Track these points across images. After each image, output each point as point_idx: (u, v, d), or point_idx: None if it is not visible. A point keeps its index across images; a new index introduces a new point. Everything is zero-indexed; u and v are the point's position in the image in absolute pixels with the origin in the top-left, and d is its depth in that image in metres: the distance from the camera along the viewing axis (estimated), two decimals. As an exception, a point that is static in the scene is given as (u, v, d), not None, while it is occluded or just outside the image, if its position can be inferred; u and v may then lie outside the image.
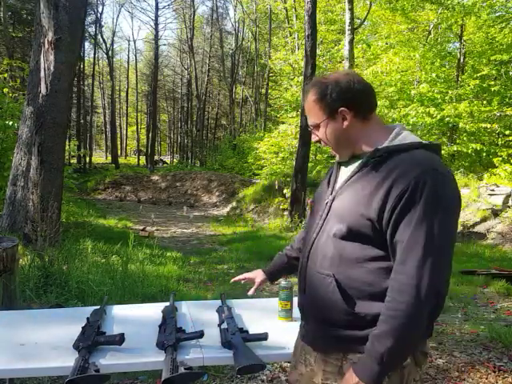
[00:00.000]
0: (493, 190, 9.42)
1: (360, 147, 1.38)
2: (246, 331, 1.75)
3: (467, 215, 9.23)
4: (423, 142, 1.33)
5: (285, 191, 13.13)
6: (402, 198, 1.19)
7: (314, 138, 1.46)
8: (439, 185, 1.19)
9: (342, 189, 1.37)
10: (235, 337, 1.69)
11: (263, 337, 1.71)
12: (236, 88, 34.05)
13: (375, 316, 1.24)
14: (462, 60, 14.27)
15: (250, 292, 1.96)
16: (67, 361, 1.53)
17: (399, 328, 1.17)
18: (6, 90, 8.82)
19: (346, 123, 1.36)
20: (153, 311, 2.02)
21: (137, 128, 42.83)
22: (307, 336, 1.45)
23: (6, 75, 9.80)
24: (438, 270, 1.18)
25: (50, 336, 1.77)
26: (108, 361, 1.57)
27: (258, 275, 1.97)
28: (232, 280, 2.08)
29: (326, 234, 1.37)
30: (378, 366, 1.18)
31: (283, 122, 17.10)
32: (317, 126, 1.41)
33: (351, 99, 1.35)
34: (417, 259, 1.16)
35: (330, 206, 1.39)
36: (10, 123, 7.99)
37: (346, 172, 1.43)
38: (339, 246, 1.31)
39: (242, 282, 2.03)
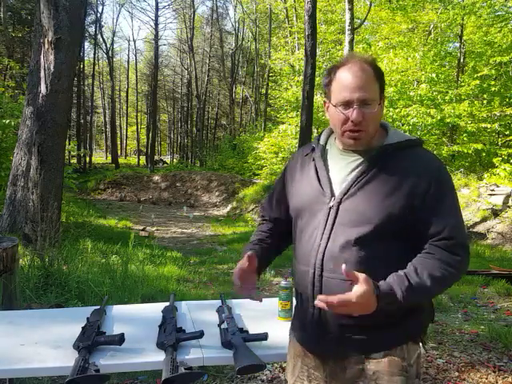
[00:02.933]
0: (493, 190, 9.41)
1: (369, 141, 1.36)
2: (246, 331, 1.75)
3: (467, 215, 9.23)
4: (414, 138, 1.41)
5: (285, 191, 13.10)
6: (429, 190, 1.27)
7: (358, 116, 1.28)
8: (448, 174, 1.36)
9: (352, 190, 1.30)
10: (235, 337, 1.69)
11: (263, 337, 1.70)
12: (236, 88, 34.06)
13: (401, 312, 1.28)
14: (462, 60, 14.28)
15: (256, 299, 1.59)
16: (67, 361, 1.53)
17: (449, 279, 1.28)
18: (2, 89, 8.82)
19: (381, 111, 1.36)
20: (153, 311, 2.02)
21: (137, 128, 42.83)
22: (327, 349, 1.35)
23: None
24: (466, 233, 1.42)
25: (50, 336, 1.77)
26: (108, 361, 1.57)
27: (248, 266, 1.53)
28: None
29: (342, 240, 1.28)
30: (403, 295, 1.21)
31: (283, 122, 17.10)
32: (371, 103, 1.29)
33: (384, 86, 1.38)
34: (460, 237, 1.30)
35: (337, 210, 1.30)
36: (12, 123, 7.99)
37: (341, 170, 1.35)
38: (362, 248, 1.27)
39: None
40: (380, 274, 1.25)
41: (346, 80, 1.30)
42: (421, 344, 1.36)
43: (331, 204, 1.32)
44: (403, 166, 1.29)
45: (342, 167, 1.35)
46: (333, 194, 1.33)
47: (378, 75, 1.33)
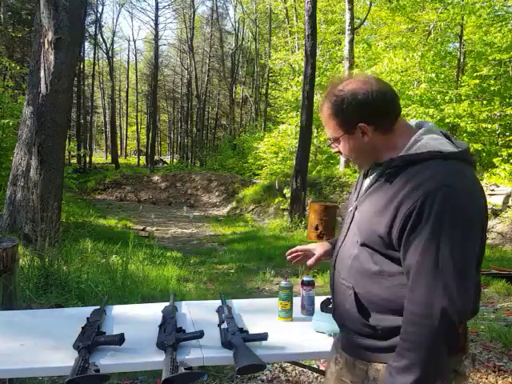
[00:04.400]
0: (493, 190, 9.41)
1: (383, 156, 1.28)
2: (246, 331, 1.75)
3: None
4: (443, 150, 1.19)
5: (285, 191, 13.13)
6: (410, 218, 1.12)
7: (333, 149, 1.37)
8: (449, 203, 1.10)
9: (362, 199, 1.33)
10: (235, 337, 1.69)
11: (263, 337, 1.70)
12: (236, 88, 34.06)
13: (392, 329, 1.21)
14: (461, 60, 14.27)
15: (309, 262, 1.72)
16: (67, 361, 1.53)
17: (417, 360, 1.11)
18: (1, 89, 8.82)
19: (366, 138, 1.26)
20: (153, 311, 2.02)
21: (137, 128, 42.82)
22: (340, 340, 1.43)
23: None
24: (449, 294, 1.09)
25: (50, 336, 1.78)
26: (108, 361, 1.57)
27: (318, 247, 1.75)
28: (288, 257, 1.82)
29: (348, 245, 1.35)
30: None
31: (283, 122, 17.10)
32: (336, 140, 1.33)
33: (370, 114, 1.24)
34: (424, 286, 1.10)
35: (353, 215, 1.35)
36: (10, 123, 8.00)
37: (368, 180, 1.37)
38: (358, 258, 1.29)
39: (295, 261, 1.80)
40: (373, 289, 1.25)
41: None
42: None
43: (351, 208, 1.38)
44: (401, 183, 1.17)
45: (369, 177, 1.37)
46: (357, 199, 1.38)
47: (336, 112, 1.27)
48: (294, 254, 1.81)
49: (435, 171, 1.15)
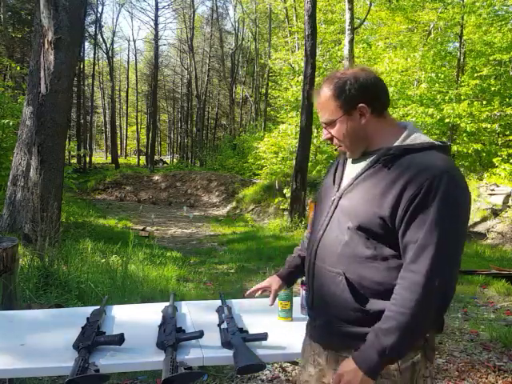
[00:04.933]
0: (493, 190, 9.41)
1: (372, 144, 1.37)
2: (246, 331, 1.75)
3: (467, 215, 9.22)
4: (435, 142, 1.32)
5: (285, 191, 13.13)
6: (415, 200, 1.20)
7: (325, 135, 1.42)
8: (451, 188, 1.20)
9: (351, 186, 1.35)
10: (235, 337, 1.69)
11: (263, 337, 1.70)
12: (236, 88, 34.05)
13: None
14: (461, 60, 14.26)
15: (270, 302, 1.80)
16: (67, 361, 1.53)
17: (406, 325, 1.18)
18: (1, 89, 8.82)
19: (363, 120, 1.35)
20: (153, 311, 2.02)
21: (137, 128, 42.82)
22: (316, 333, 1.43)
23: None
24: (448, 271, 1.21)
25: (50, 336, 1.78)
26: (108, 361, 1.57)
27: (273, 282, 1.82)
28: (246, 294, 1.93)
29: (335, 232, 1.36)
30: (379, 357, 1.20)
31: (283, 122, 17.09)
32: (332, 123, 1.37)
33: (370, 95, 1.35)
34: (429, 259, 1.18)
35: (337, 204, 1.37)
36: (11, 123, 8.00)
37: (353, 169, 1.40)
38: (349, 244, 1.31)
39: (257, 294, 1.88)
40: (365, 273, 1.28)
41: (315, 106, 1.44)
42: (420, 353, 1.29)
43: (334, 197, 1.40)
44: (400, 170, 1.26)
45: (354, 167, 1.41)
46: (338, 189, 1.41)
47: (337, 93, 1.34)
48: (253, 290, 1.88)
49: (436, 159, 1.26)
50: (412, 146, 1.30)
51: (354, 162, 1.42)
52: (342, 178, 1.43)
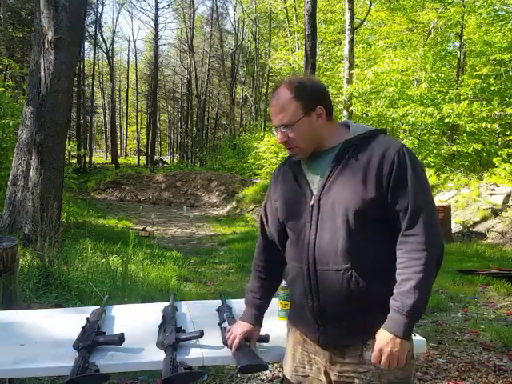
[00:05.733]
0: (493, 190, 9.42)
1: (324, 144, 1.46)
2: (247, 331, 1.75)
3: (467, 215, 9.23)
4: (378, 128, 1.51)
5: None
6: (392, 173, 1.34)
7: (281, 138, 1.45)
8: (412, 156, 1.38)
9: (328, 185, 1.40)
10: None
11: (264, 338, 1.70)
12: (236, 88, 34.04)
13: (388, 294, 1.35)
14: (462, 60, 14.27)
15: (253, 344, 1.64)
16: (67, 361, 1.53)
17: (423, 281, 1.30)
18: (2, 89, 8.82)
19: (320, 121, 1.44)
20: (153, 311, 2.02)
21: (137, 128, 42.83)
22: (327, 338, 1.42)
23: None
24: (437, 221, 1.38)
25: (50, 336, 1.77)
26: (108, 361, 1.57)
27: (252, 332, 1.63)
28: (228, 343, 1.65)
29: (328, 232, 1.38)
30: (408, 318, 1.29)
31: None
32: (291, 125, 1.42)
33: (325, 98, 1.47)
34: (423, 218, 1.32)
35: (319, 206, 1.41)
36: (11, 123, 7.99)
37: (316, 170, 1.46)
38: (349, 237, 1.35)
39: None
40: (369, 259, 1.36)
41: (270, 108, 1.49)
42: (413, 336, 1.40)
43: (312, 202, 1.43)
44: (368, 154, 1.38)
45: (315, 168, 1.47)
46: (312, 193, 1.44)
47: (298, 94, 1.41)
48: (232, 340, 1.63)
49: (389, 139, 1.44)
50: (364, 134, 1.43)
51: (311, 165, 1.48)
52: (308, 183, 1.46)
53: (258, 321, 1.65)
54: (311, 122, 1.43)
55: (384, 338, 1.31)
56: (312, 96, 1.43)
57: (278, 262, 1.61)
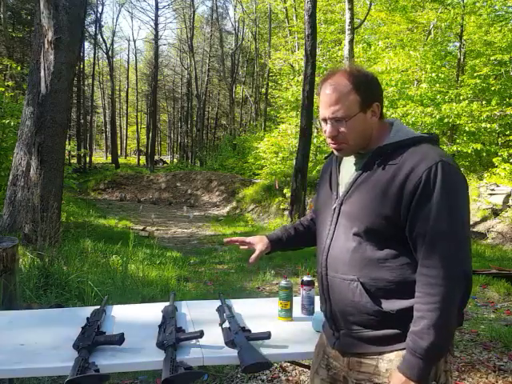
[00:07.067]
0: (493, 190, 9.41)
1: (369, 144, 1.35)
2: (249, 330, 1.75)
3: (467, 215, 9.21)
4: (423, 135, 1.32)
5: (285, 191, 13.12)
6: (416, 193, 1.20)
7: (331, 133, 1.32)
8: (448, 174, 1.20)
9: (350, 192, 1.33)
10: (238, 336, 1.69)
11: (266, 336, 1.70)
12: (236, 88, 34.03)
13: (405, 311, 1.24)
14: (462, 60, 14.26)
15: (251, 260, 1.69)
16: (67, 361, 1.53)
17: (438, 320, 1.17)
18: (2, 89, 8.82)
19: (374, 119, 1.32)
20: (153, 311, 2.02)
21: (137, 128, 42.81)
22: (339, 343, 1.39)
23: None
24: (462, 255, 1.20)
25: (49, 336, 1.78)
26: (108, 361, 1.57)
27: (259, 242, 1.73)
28: (225, 241, 1.80)
29: (341, 240, 1.34)
30: (423, 361, 1.18)
31: (283, 122, 17.10)
32: (346, 119, 1.29)
33: (381, 94, 1.35)
34: (441, 250, 1.18)
35: (339, 212, 1.35)
36: (11, 123, 7.99)
37: (347, 173, 1.39)
38: (358, 249, 1.29)
39: (240, 247, 1.80)
40: (377, 275, 1.27)
41: (322, 97, 1.33)
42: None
43: (334, 206, 1.38)
44: (397, 166, 1.25)
45: (349, 170, 1.39)
46: (337, 196, 1.38)
47: (358, 86, 1.28)
48: (235, 240, 1.80)
49: (425, 151, 1.25)
50: (402, 141, 1.29)
51: (348, 165, 1.40)
52: (338, 184, 1.41)
53: (271, 237, 1.74)
54: (366, 118, 1.31)
55: (398, 380, 1.21)
56: (371, 90, 1.31)
57: (315, 232, 1.57)
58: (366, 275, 1.28)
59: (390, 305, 1.26)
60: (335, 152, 1.39)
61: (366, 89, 1.29)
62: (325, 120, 1.33)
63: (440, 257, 1.18)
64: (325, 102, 1.31)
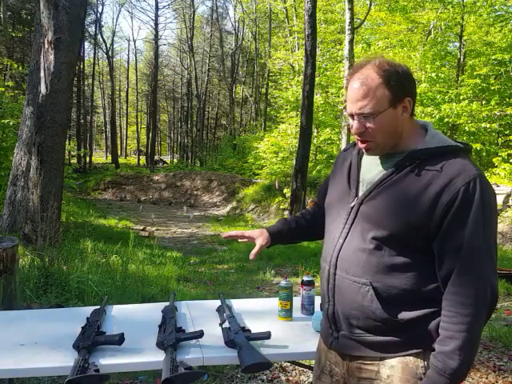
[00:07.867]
0: (493, 190, 9.41)
1: (400, 144, 1.27)
2: (249, 330, 1.75)
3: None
4: (459, 144, 1.26)
5: (285, 191, 13.13)
6: (453, 206, 1.16)
7: (358, 129, 1.25)
8: (485, 190, 1.18)
9: (374, 193, 1.27)
10: (238, 335, 1.69)
11: (266, 335, 1.70)
12: (236, 88, 34.02)
13: (413, 321, 1.22)
14: (462, 60, 14.26)
15: (252, 256, 1.64)
16: (67, 361, 1.53)
17: (470, 340, 1.15)
18: (2, 89, 8.82)
19: (405, 115, 1.25)
20: (153, 311, 2.02)
21: (137, 128, 42.82)
22: (339, 344, 1.35)
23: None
24: (492, 272, 1.19)
25: (50, 336, 1.77)
26: (108, 361, 1.57)
27: (260, 236, 1.66)
28: (224, 235, 1.74)
29: (356, 241, 1.28)
30: (450, 381, 1.15)
31: (283, 122, 17.10)
32: (375, 115, 1.22)
33: (414, 89, 1.27)
34: (476, 267, 1.16)
35: (358, 210, 1.29)
36: (11, 123, 7.99)
37: (372, 172, 1.31)
38: (375, 253, 1.24)
39: (239, 240, 1.75)
40: (392, 283, 1.23)
41: (350, 91, 1.26)
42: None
43: (352, 204, 1.31)
44: (432, 174, 1.19)
45: (372, 168, 1.32)
46: (357, 195, 1.32)
47: (388, 80, 1.21)
48: (233, 234, 1.73)
49: (466, 162, 1.21)
50: (440, 148, 1.23)
51: (372, 162, 1.32)
52: (358, 181, 1.34)
53: (272, 230, 1.67)
54: (396, 115, 1.23)
55: None
56: (402, 85, 1.22)
57: (318, 226, 1.54)
58: (379, 280, 1.23)
59: (400, 314, 1.23)
60: (365, 152, 1.33)
61: (396, 83, 1.22)
62: (352, 115, 1.26)
63: (475, 276, 1.16)
64: (352, 97, 1.25)
